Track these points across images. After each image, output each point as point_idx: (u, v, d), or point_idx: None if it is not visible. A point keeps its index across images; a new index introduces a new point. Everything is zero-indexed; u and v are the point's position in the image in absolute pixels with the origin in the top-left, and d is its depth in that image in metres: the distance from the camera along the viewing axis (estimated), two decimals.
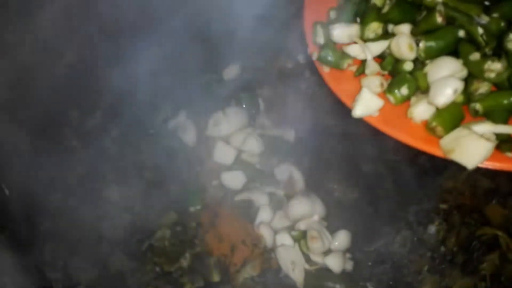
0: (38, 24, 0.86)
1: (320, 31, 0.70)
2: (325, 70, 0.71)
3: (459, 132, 0.59)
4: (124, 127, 1.00)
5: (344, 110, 0.68)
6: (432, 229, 0.88)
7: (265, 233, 0.89)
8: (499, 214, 0.88)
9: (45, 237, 0.89)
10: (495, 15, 0.61)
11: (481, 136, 0.57)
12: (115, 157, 0.97)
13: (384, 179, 0.95)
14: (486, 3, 0.64)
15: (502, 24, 0.61)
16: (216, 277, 0.87)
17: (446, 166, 0.94)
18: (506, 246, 0.83)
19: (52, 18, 0.86)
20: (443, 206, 0.90)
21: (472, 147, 0.57)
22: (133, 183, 0.94)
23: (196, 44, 1.13)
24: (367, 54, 0.66)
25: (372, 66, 0.67)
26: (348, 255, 0.89)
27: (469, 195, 0.91)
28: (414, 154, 0.97)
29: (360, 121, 0.68)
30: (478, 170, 0.92)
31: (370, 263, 0.87)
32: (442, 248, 0.86)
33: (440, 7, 0.62)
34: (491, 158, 0.59)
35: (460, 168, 0.93)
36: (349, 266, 0.88)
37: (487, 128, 0.59)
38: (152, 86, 1.05)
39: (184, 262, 0.88)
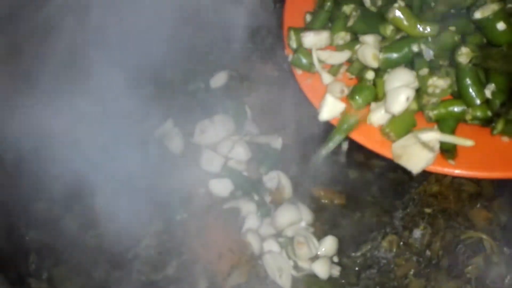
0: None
1: (293, 36, 0.72)
2: (298, 72, 0.73)
3: (407, 140, 0.63)
4: (110, 136, 0.99)
5: None
6: (417, 233, 0.88)
7: (252, 240, 0.89)
8: (484, 218, 0.89)
9: (30, 247, 0.88)
10: (451, 28, 0.63)
11: (425, 146, 0.61)
12: (100, 165, 0.96)
13: (370, 185, 0.96)
14: (452, 11, 0.65)
15: (456, 38, 0.63)
16: (202, 285, 0.86)
17: (431, 171, 0.95)
18: (491, 249, 0.84)
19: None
20: (428, 210, 0.90)
21: (417, 155, 0.62)
22: (118, 192, 0.93)
23: (183, 53, 1.13)
24: (317, 67, 0.69)
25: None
26: (335, 260, 0.89)
27: (453, 199, 0.91)
28: None
29: None
30: None
31: (357, 268, 0.87)
32: (428, 252, 0.87)
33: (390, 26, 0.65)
34: (435, 163, 0.64)
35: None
36: (336, 271, 0.88)
37: (433, 136, 0.63)
38: (138, 94, 1.06)
39: (170, 270, 0.87)
